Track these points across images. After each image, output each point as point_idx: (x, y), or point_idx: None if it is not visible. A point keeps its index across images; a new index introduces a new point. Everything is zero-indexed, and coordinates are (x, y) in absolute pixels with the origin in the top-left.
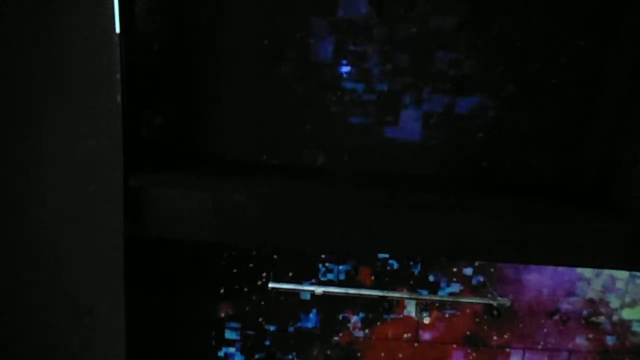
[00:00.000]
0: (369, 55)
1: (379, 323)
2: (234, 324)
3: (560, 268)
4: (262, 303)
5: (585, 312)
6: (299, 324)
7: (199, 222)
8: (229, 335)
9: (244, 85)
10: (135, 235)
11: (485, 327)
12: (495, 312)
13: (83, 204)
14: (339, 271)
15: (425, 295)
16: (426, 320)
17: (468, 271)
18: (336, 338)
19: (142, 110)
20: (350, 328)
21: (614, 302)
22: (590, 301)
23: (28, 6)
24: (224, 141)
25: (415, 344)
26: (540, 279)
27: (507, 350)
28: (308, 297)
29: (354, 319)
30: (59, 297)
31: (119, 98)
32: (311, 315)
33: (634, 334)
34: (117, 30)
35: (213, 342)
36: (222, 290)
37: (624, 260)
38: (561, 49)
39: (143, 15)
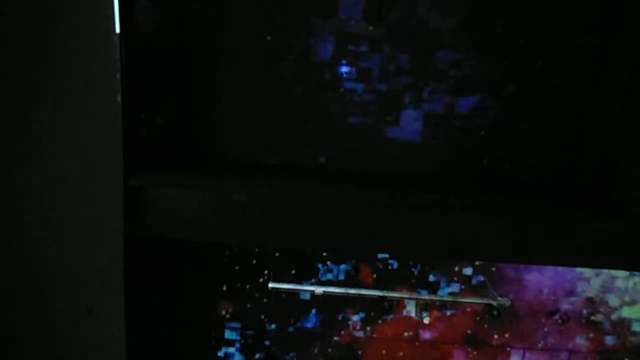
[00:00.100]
0: (369, 55)
1: (379, 323)
2: (233, 324)
3: (560, 268)
4: (262, 303)
5: (585, 312)
6: (299, 324)
7: (199, 222)
8: (228, 335)
9: (244, 85)
10: (135, 235)
11: (485, 327)
12: (495, 312)
13: (83, 204)
14: (339, 271)
15: (425, 295)
16: (426, 320)
17: (468, 271)
18: (336, 338)
19: (142, 110)
20: (350, 328)
21: (614, 302)
22: (590, 301)
23: (28, 6)
24: (224, 141)
25: (415, 344)
26: (540, 279)
27: (507, 350)
28: (308, 297)
29: (354, 318)
30: (59, 297)
31: (119, 98)
32: (311, 315)
33: (634, 333)
34: (117, 30)
35: (213, 342)
36: (222, 290)
37: (624, 260)
38: (561, 49)
39: (143, 15)
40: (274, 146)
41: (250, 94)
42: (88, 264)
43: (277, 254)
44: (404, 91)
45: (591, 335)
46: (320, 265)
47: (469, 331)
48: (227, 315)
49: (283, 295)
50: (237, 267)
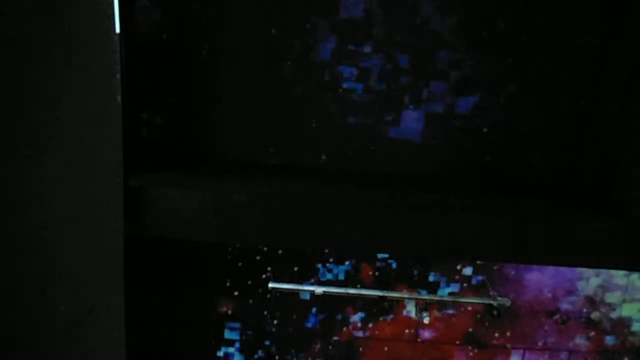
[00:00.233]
0: (369, 55)
1: (379, 322)
2: (233, 324)
3: (560, 267)
4: (262, 303)
5: (585, 312)
6: (298, 324)
7: (199, 222)
8: (228, 335)
9: (244, 85)
10: (135, 235)
11: (485, 327)
12: (495, 312)
13: (83, 204)
14: (339, 271)
15: (425, 295)
16: (426, 320)
17: (468, 271)
18: (336, 338)
19: (142, 110)
20: (350, 328)
21: (614, 302)
22: (590, 300)
23: (28, 6)
24: (224, 141)
25: (415, 344)
26: (540, 279)
27: (507, 349)
28: (308, 297)
29: (354, 318)
30: (58, 297)
31: (119, 98)
32: (311, 315)
33: (634, 333)
34: (117, 30)
35: (213, 342)
36: (221, 290)
37: (624, 260)
38: (561, 49)
39: (143, 15)
40: (274, 146)
41: (250, 93)
42: (88, 264)
43: (277, 254)
44: (404, 91)
45: (591, 335)
46: (320, 265)
47: (469, 331)
48: (227, 315)
49: (283, 294)
50: (237, 267)
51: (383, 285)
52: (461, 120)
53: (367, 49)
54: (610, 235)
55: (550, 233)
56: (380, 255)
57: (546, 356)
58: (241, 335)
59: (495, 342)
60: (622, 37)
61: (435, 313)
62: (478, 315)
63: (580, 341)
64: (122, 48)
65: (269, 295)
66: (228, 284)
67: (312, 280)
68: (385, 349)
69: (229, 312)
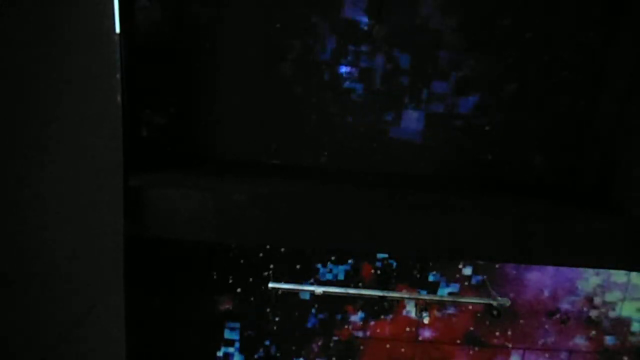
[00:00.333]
0: (369, 55)
1: (378, 323)
2: (233, 324)
3: (560, 267)
4: (262, 303)
5: (585, 312)
6: (298, 324)
7: (199, 222)
8: (228, 335)
9: (244, 85)
10: (135, 235)
11: (484, 327)
12: (495, 312)
13: (83, 204)
14: (338, 271)
15: (425, 295)
16: (426, 320)
17: (468, 271)
18: (336, 338)
19: (142, 110)
20: (350, 328)
21: (614, 302)
22: (590, 300)
23: (28, 6)
24: (224, 141)
25: (415, 344)
26: (540, 279)
27: (507, 349)
28: (308, 297)
29: (354, 318)
30: (58, 296)
31: (119, 98)
32: (311, 315)
33: (634, 333)
34: (117, 30)
35: (213, 342)
36: (221, 290)
37: (624, 260)
38: (561, 49)
39: (143, 15)
40: (274, 146)
41: (250, 93)
42: (88, 264)
43: (277, 254)
44: (404, 91)
45: (591, 335)
46: (320, 266)
47: (468, 331)
48: (227, 315)
49: (283, 294)
50: (236, 267)
51: (383, 285)
52: (461, 120)
53: (367, 49)
54: (610, 235)
55: (550, 233)
56: (380, 255)
57: (546, 356)
58: (241, 335)
59: (495, 341)
60: (622, 37)
61: (435, 313)
62: (478, 315)
63: (580, 341)
64: (122, 48)
65: (269, 295)
66: (228, 284)
67: (312, 280)
68: (386, 348)
69: (229, 312)
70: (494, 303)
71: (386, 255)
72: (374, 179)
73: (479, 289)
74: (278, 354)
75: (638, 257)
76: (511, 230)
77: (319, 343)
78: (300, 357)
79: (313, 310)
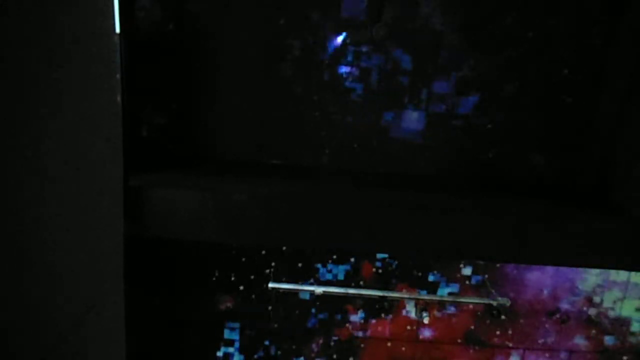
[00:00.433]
0: (369, 55)
1: (378, 322)
2: (233, 324)
3: (560, 267)
4: (262, 303)
5: (585, 312)
6: (299, 324)
7: (199, 222)
8: (228, 335)
9: (244, 85)
10: (135, 235)
11: (484, 327)
12: (495, 312)
13: (83, 204)
14: (338, 271)
15: (425, 295)
16: (426, 320)
17: (468, 271)
18: (336, 338)
19: (142, 110)
20: (350, 327)
21: (614, 301)
22: (590, 300)
23: (28, 6)
24: (224, 141)
25: (415, 343)
26: (540, 279)
27: (507, 349)
28: (308, 297)
29: (354, 318)
30: (59, 296)
31: (119, 98)
32: (311, 315)
33: (633, 333)
34: (117, 30)
35: (213, 342)
36: (221, 290)
37: (624, 260)
38: (561, 49)
39: (143, 15)
40: (274, 146)
41: (250, 93)
42: (88, 264)
43: (277, 254)
44: (404, 91)
45: (591, 334)
46: (320, 265)
47: (468, 330)
48: (227, 315)
49: (283, 294)
50: (236, 267)
51: (383, 284)
52: (461, 120)
53: (367, 49)
54: (611, 235)
55: (551, 233)
56: (380, 255)
57: (546, 356)
58: (241, 335)
59: (495, 341)
60: (622, 37)
61: (435, 313)
62: (478, 314)
63: (580, 341)
64: (122, 48)
65: (269, 295)
66: (228, 284)
67: (312, 280)
68: (386, 348)
69: (229, 312)
70: (494, 303)
71: (386, 255)
72: (374, 179)
73: (479, 289)
74: (278, 354)
75: (638, 257)
76: (511, 230)
77: (319, 343)
78: (300, 357)
79: (313, 310)
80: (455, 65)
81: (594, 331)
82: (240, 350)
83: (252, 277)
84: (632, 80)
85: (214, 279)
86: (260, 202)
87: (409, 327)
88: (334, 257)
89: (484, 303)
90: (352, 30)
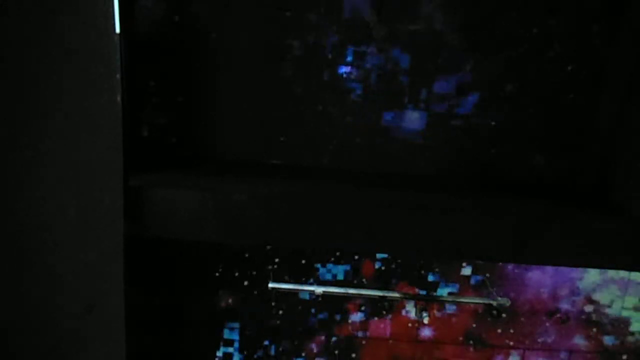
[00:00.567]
0: (369, 55)
1: (378, 322)
2: (233, 324)
3: (560, 267)
4: (262, 303)
5: (585, 311)
6: (298, 324)
7: (199, 222)
8: (228, 335)
9: (244, 85)
10: (135, 235)
11: (484, 327)
12: (494, 312)
13: (83, 204)
14: (338, 271)
15: (424, 295)
16: (426, 320)
17: (467, 271)
18: (335, 337)
19: (142, 110)
20: (350, 327)
21: (614, 301)
22: (590, 300)
23: (28, 6)
24: (224, 141)
25: (415, 343)
26: (540, 279)
27: (507, 349)
28: (308, 297)
29: (354, 318)
30: (58, 296)
31: (119, 98)
32: (311, 315)
33: (633, 333)
34: (117, 30)
35: (212, 342)
36: (221, 290)
37: (624, 260)
38: (561, 49)
39: (143, 15)
40: (274, 146)
41: (250, 93)
42: (88, 264)
43: (277, 254)
44: (404, 91)
45: (591, 334)
46: (319, 265)
47: (468, 331)
48: (227, 315)
49: (283, 294)
50: (236, 267)
51: (383, 284)
52: (461, 120)
53: (367, 49)
54: (611, 235)
55: (551, 233)
56: (380, 255)
57: (546, 356)
58: (241, 335)
59: (495, 341)
60: (622, 37)
61: (435, 313)
62: (478, 314)
63: (580, 341)
64: (122, 48)
65: (268, 295)
66: (228, 284)
67: (312, 280)
68: (386, 347)
69: (229, 312)
70: (494, 303)
71: (386, 255)
72: (374, 179)
73: (478, 289)
74: (278, 354)
75: (638, 257)
76: (511, 230)
77: (319, 343)
78: (300, 356)
79: (313, 310)
80: (455, 65)
81: (593, 331)
82: (240, 350)
83: (252, 277)
84: (632, 80)
85: (214, 279)
86: (260, 202)
87: (408, 327)
88: (334, 256)
89: (484, 303)
90: (352, 30)
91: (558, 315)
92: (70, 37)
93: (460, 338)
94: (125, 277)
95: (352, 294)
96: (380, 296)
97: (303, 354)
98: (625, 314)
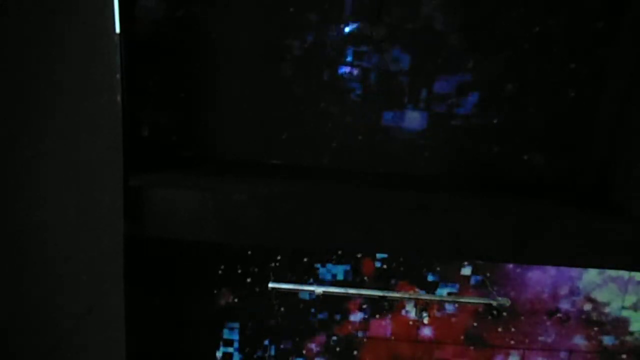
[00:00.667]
0: (369, 55)
1: (378, 322)
2: (233, 324)
3: (560, 267)
4: (262, 303)
5: (585, 311)
6: (298, 323)
7: (199, 222)
8: (228, 335)
9: (244, 85)
10: (135, 235)
11: (484, 327)
12: (494, 312)
13: (83, 204)
14: (338, 271)
15: (424, 295)
16: (426, 320)
17: (467, 271)
18: (335, 337)
19: (142, 110)
20: (350, 327)
21: (614, 301)
22: (590, 300)
23: (28, 6)
24: (224, 141)
25: (415, 343)
26: (540, 278)
27: (507, 349)
28: (307, 297)
29: (354, 317)
30: (58, 297)
31: (119, 98)
32: (311, 315)
33: (632, 333)
34: (117, 30)
35: (212, 342)
36: (221, 290)
37: (624, 260)
38: (561, 49)
39: (143, 15)
40: (274, 146)
41: (250, 93)
42: (88, 264)
43: (277, 254)
44: (404, 91)
45: (591, 334)
46: (319, 265)
47: (468, 331)
48: (227, 315)
49: (283, 294)
50: (236, 267)
51: (383, 284)
52: (461, 119)
53: (367, 49)
54: (611, 235)
55: (551, 233)
56: (380, 255)
57: (546, 355)
58: (240, 335)
59: (494, 341)
60: (622, 37)
61: (435, 313)
62: (478, 314)
63: (580, 341)
64: (122, 48)
65: (268, 295)
66: (228, 284)
67: (312, 280)
68: (386, 347)
69: (229, 311)
70: (494, 303)
71: (386, 255)
72: (374, 179)
73: (478, 289)
74: (278, 354)
75: (638, 257)
76: (511, 230)
77: (319, 343)
78: (300, 356)
79: (313, 310)
80: (455, 65)
81: (593, 331)
82: (240, 350)
83: (252, 277)
84: (632, 80)
85: (214, 279)
86: (260, 202)
87: (408, 327)
88: (335, 255)
89: (484, 303)
90: (352, 30)
91: (558, 315)
92: (70, 37)
93: (460, 338)
94: (125, 277)
95: (352, 293)
96: (380, 296)
97: (303, 354)
98: (624, 313)
